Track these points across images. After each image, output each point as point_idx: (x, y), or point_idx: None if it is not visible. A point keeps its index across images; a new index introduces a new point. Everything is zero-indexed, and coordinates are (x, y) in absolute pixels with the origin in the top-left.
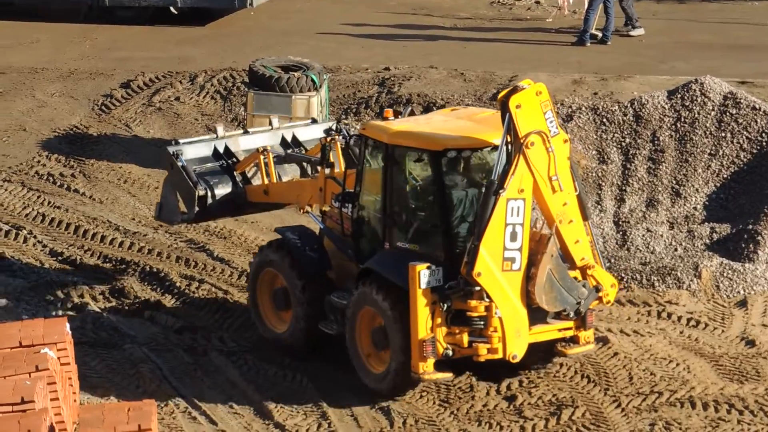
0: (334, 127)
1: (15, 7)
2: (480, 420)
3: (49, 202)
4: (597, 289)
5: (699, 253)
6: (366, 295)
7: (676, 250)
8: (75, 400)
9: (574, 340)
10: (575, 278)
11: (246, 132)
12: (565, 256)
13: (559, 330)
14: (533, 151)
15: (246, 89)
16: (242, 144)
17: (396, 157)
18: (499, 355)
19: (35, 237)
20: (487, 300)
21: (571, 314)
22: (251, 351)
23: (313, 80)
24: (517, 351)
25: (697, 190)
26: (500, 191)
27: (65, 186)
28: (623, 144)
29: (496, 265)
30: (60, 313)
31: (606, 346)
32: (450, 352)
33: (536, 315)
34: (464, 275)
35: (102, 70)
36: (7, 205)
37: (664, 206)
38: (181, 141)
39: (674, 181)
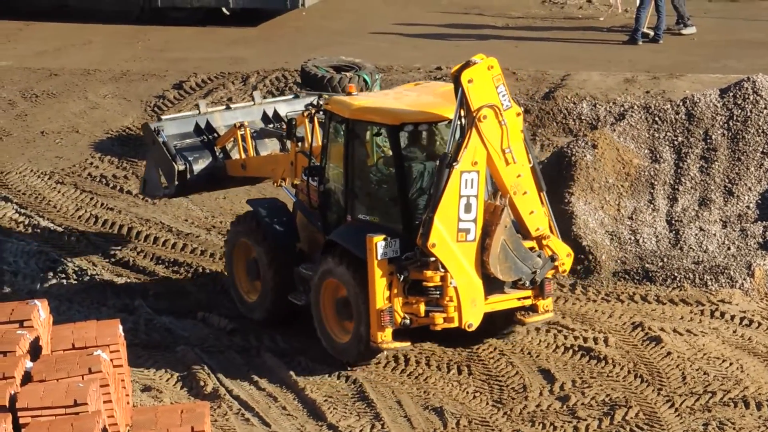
0: (315, 103)
1: (69, 8)
2: (533, 420)
3: (102, 204)
4: (552, 258)
5: (752, 252)
6: (329, 266)
7: (729, 248)
8: (128, 403)
9: (533, 309)
10: (531, 248)
11: (228, 108)
12: (521, 227)
13: (518, 299)
14: (486, 125)
15: (298, 90)
16: (224, 120)
17: (356, 132)
18: (455, 324)
19: (88, 239)
20: (443, 270)
21: (527, 283)
22: (304, 352)
23: (365, 80)
24: (472, 320)
25: (749, 188)
26: (454, 164)
27: (118, 187)
28: (675, 143)
29: (451, 236)
30: (113, 315)
31: (659, 345)
32: (408, 322)
33: (494, 285)
34: (420, 246)
35: (154, 71)
36: (60, 207)
37: (717, 205)
38: (163, 117)
39: (727, 180)
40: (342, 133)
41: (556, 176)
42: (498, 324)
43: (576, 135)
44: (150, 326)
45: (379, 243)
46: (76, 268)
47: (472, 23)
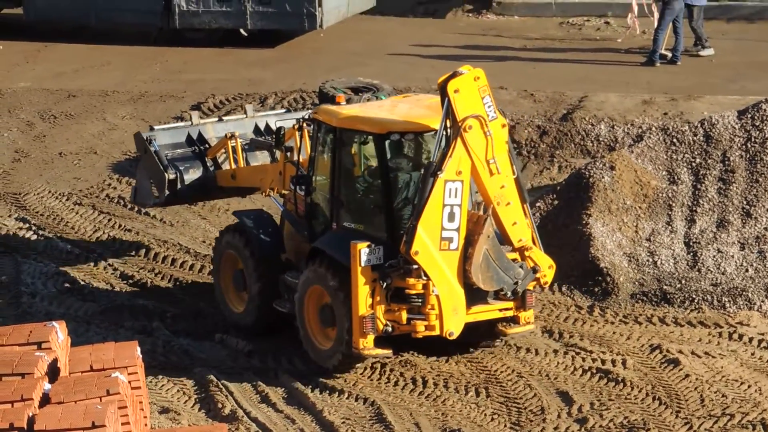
0: (307, 116)
1: (90, 29)
2: None
3: (119, 225)
4: (534, 270)
5: None
6: (314, 273)
7: (747, 270)
8: (146, 425)
9: (514, 320)
10: (513, 259)
11: (220, 119)
12: (503, 238)
13: (500, 310)
14: (471, 135)
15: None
16: (216, 131)
17: (343, 140)
18: (437, 332)
19: (106, 260)
20: (425, 278)
21: (509, 294)
22: (322, 374)
23: None
24: (453, 328)
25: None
26: (438, 173)
27: (135, 209)
28: (693, 164)
29: (434, 245)
30: (131, 336)
31: (677, 367)
32: (390, 329)
33: (477, 295)
34: (403, 254)
35: (172, 93)
36: (78, 228)
37: (735, 227)
38: (156, 127)
39: (745, 202)
40: (329, 141)
41: (573, 198)
42: (480, 335)
43: (594, 156)
44: (168, 348)
45: (362, 250)
46: (94, 290)
47: (490, 44)
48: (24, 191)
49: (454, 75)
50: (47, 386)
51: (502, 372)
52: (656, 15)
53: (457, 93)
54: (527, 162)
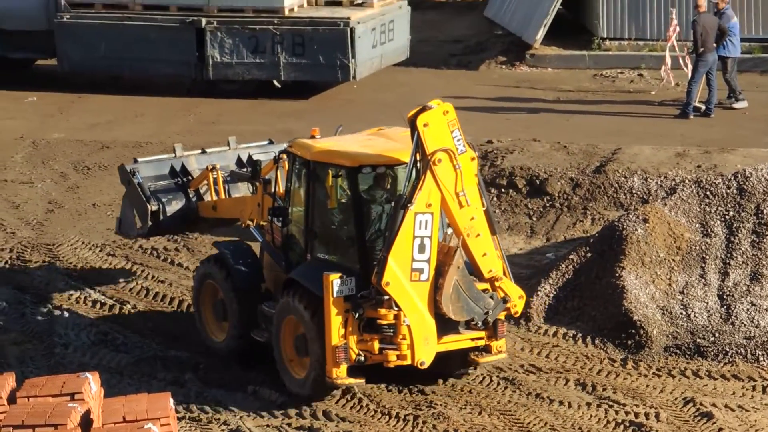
0: (287, 145)
1: (124, 81)
2: None
3: (152, 276)
4: (505, 300)
5: None
6: (289, 303)
7: None
8: None
9: (486, 350)
10: (484, 290)
11: (203, 151)
12: (474, 269)
13: (471, 339)
14: (440, 168)
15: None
16: (199, 163)
17: (317, 173)
18: (408, 362)
19: (139, 311)
20: (396, 309)
21: (480, 324)
22: (360, 423)
23: None
24: (425, 358)
25: None
26: (408, 205)
27: (169, 260)
28: (727, 217)
29: (405, 276)
30: (163, 388)
31: (711, 421)
32: (362, 359)
33: (448, 325)
34: (374, 285)
35: (206, 144)
36: (111, 280)
37: None
38: (139, 160)
39: None
40: (304, 174)
41: (607, 250)
42: (453, 364)
43: (627, 209)
44: (200, 399)
45: (335, 281)
46: (127, 341)
47: (523, 96)
48: (57, 242)
49: (423, 109)
50: None
51: (535, 425)
52: (690, 67)
53: (427, 127)
54: (560, 214)
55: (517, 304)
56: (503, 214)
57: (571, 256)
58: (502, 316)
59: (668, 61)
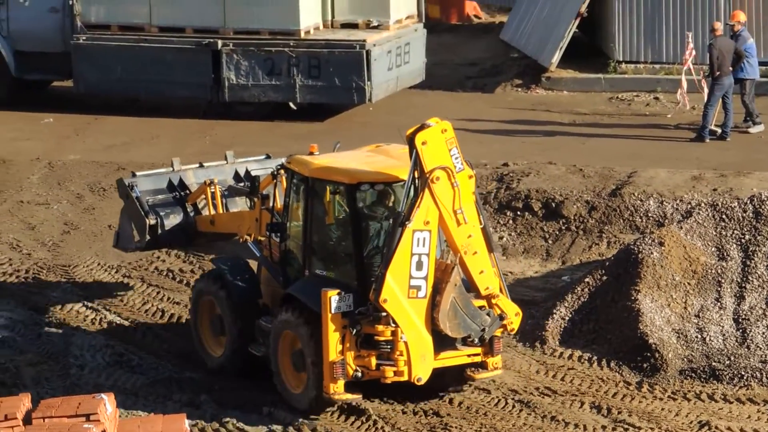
0: (285, 161)
1: (140, 103)
2: None
3: (168, 298)
4: (501, 317)
5: None
6: (286, 319)
7: None
8: None
9: (482, 366)
10: (481, 307)
11: (201, 165)
12: (471, 286)
13: (468, 356)
14: (438, 186)
15: None
16: (196, 177)
17: (316, 190)
18: (405, 378)
19: (154, 333)
20: (394, 325)
21: (476, 340)
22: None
23: None
24: (422, 374)
25: None
26: (407, 223)
27: (184, 281)
28: (743, 240)
29: (402, 293)
30: (178, 409)
31: None
32: (359, 374)
33: (445, 341)
34: (372, 301)
35: None
36: (127, 301)
37: None
38: (137, 173)
39: None
40: (302, 190)
41: (622, 273)
42: (449, 380)
43: (643, 232)
44: (216, 421)
45: (333, 297)
46: (143, 362)
47: (539, 119)
48: (73, 263)
49: (421, 127)
50: None
51: None
52: (706, 90)
53: (425, 145)
54: (576, 237)
55: (514, 321)
56: (519, 237)
57: (586, 279)
58: (498, 332)
59: (684, 84)
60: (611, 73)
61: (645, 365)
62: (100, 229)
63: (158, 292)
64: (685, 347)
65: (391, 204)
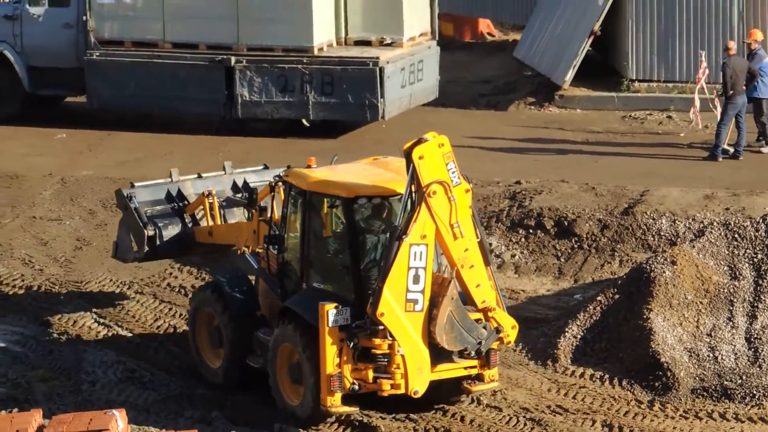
0: (281, 174)
1: (153, 119)
2: None
3: (180, 315)
4: (497, 330)
5: None
6: (284, 332)
7: None
8: None
9: (479, 378)
10: (477, 319)
11: (199, 176)
12: (467, 299)
13: (464, 368)
14: (435, 200)
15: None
16: (195, 188)
17: (313, 203)
18: (402, 391)
19: (166, 349)
20: (391, 339)
21: (473, 353)
22: None
23: None
24: (418, 387)
25: None
26: (403, 237)
27: None
28: (755, 260)
29: (399, 306)
30: (190, 426)
31: None
32: (356, 387)
33: (442, 354)
34: (369, 315)
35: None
36: (139, 317)
37: None
38: (136, 184)
39: None
40: (300, 204)
41: (635, 292)
42: (445, 392)
43: (655, 251)
44: None
45: (330, 311)
46: (154, 379)
47: (552, 138)
48: (85, 279)
49: (419, 142)
50: None
51: None
52: (719, 109)
53: (422, 159)
54: (588, 256)
55: (510, 334)
56: (531, 255)
57: (598, 298)
58: (495, 345)
59: (697, 103)
60: (624, 92)
61: (657, 384)
62: (113, 245)
63: (170, 308)
64: (697, 366)
65: (388, 217)
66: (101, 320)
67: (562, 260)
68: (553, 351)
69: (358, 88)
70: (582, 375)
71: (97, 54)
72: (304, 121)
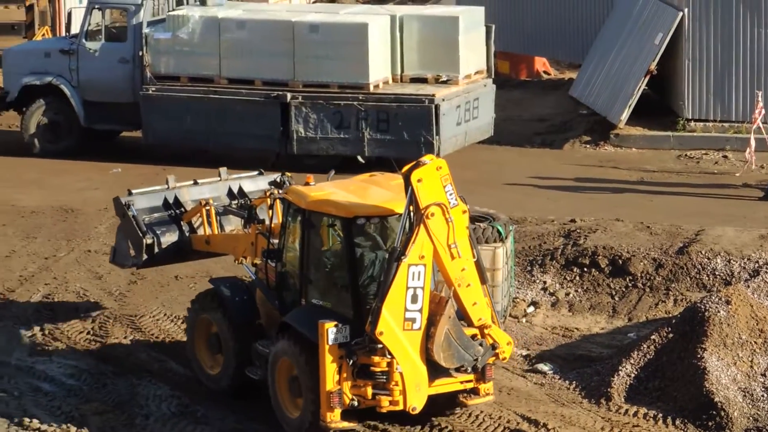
0: (278, 180)
1: (208, 154)
2: None
3: None
4: (493, 346)
5: None
6: (284, 347)
7: None
8: None
9: (474, 392)
10: (473, 337)
11: (195, 183)
12: (464, 317)
13: (461, 382)
14: (433, 221)
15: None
16: (191, 195)
17: (312, 221)
18: (400, 407)
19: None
20: (389, 356)
21: (469, 370)
22: None
23: (498, 231)
24: (416, 404)
25: None
26: (402, 257)
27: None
28: None
29: (398, 325)
30: None
31: None
32: (356, 403)
33: (439, 369)
34: (369, 333)
35: None
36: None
37: None
38: (134, 191)
39: None
40: (299, 222)
41: (689, 331)
42: (441, 404)
43: (710, 290)
44: None
45: (330, 329)
46: (208, 413)
47: (607, 177)
48: (140, 313)
49: (417, 165)
50: None
51: None
52: None
53: (420, 182)
54: (642, 294)
55: (506, 350)
56: (585, 294)
57: (652, 337)
58: (491, 361)
59: (753, 143)
60: (680, 131)
61: (710, 423)
62: (167, 279)
63: None
64: (751, 406)
65: (386, 236)
66: (155, 354)
67: (617, 299)
68: (606, 389)
69: (414, 125)
70: (635, 414)
71: (153, 89)
72: (359, 157)
